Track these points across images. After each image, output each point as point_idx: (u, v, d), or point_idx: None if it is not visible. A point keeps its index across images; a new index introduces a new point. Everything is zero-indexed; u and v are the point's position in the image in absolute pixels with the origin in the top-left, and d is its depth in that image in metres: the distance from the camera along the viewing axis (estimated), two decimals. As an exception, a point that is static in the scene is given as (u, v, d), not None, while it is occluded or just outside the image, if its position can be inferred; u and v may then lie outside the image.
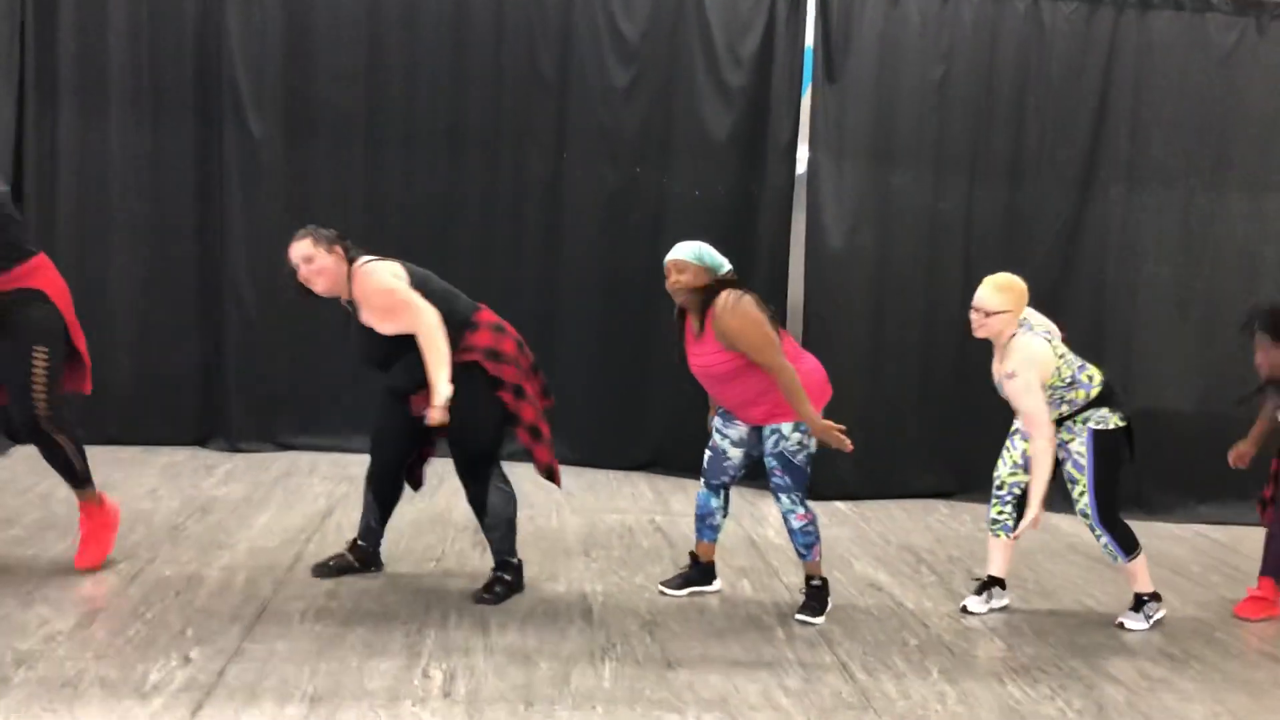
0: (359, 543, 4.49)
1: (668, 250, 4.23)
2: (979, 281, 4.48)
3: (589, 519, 5.72)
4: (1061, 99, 6.57)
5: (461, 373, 4.03)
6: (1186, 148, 6.63)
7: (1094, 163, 6.63)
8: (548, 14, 6.56)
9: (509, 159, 6.67)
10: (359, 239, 4.34)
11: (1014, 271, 4.53)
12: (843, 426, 4.12)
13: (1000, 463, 4.63)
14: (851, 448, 4.12)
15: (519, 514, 4.44)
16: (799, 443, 4.24)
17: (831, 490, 6.51)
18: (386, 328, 4.04)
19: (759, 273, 6.51)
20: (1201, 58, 6.58)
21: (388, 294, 4.02)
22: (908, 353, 6.63)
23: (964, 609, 4.62)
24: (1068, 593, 5.00)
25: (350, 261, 4.10)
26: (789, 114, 6.49)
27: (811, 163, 6.48)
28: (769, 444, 4.26)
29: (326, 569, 4.41)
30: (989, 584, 4.67)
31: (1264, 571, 4.80)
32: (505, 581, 4.34)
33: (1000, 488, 4.61)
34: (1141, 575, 4.54)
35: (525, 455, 4.45)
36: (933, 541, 5.76)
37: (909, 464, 6.70)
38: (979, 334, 4.44)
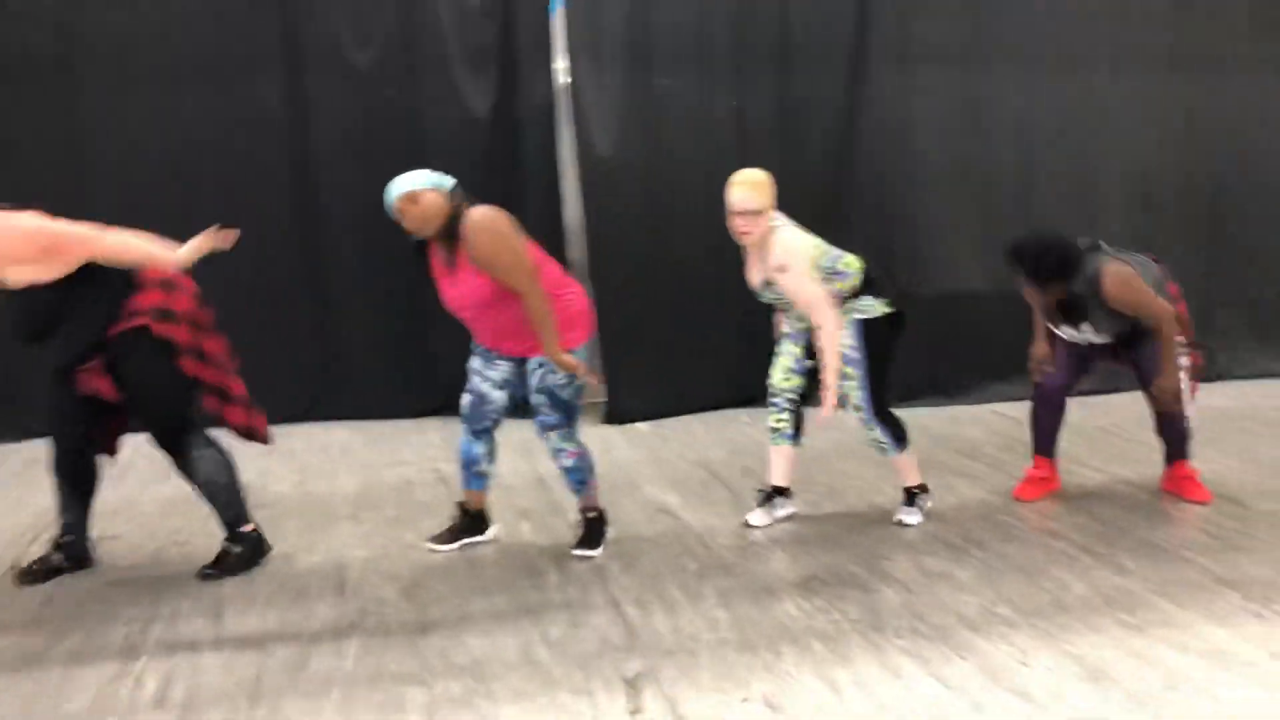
0: (64, 539, 4.01)
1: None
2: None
3: (366, 477, 5.34)
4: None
5: (131, 340, 3.58)
6: (953, 24, 6.49)
7: (862, 44, 6.44)
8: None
9: (243, 89, 6.07)
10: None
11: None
12: (583, 364, 3.84)
13: (773, 370, 4.43)
14: (599, 382, 3.86)
15: (240, 477, 4.07)
16: (566, 375, 3.94)
17: (629, 412, 6.28)
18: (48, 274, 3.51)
19: (530, 194, 6.16)
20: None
21: (34, 235, 3.45)
22: (694, 260, 6.37)
23: (747, 523, 4.44)
24: (857, 493, 4.88)
25: None
26: (538, 23, 6.07)
27: (572, 73, 6.10)
28: (534, 379, 3.95)
29: (32, 575, 3.93)
30: (772, 494, 4.50)
31: (1037, 450, 4.76)
32: (235, 554, 3.95)
33: (775, 395, 4.42)
34: (911, 468, 4.44)
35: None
36: (729, 454, 5.59)
37: (707, 375, 6.50)
38: (750, 240, 4.17)
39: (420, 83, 6.12)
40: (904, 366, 6.60)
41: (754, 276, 4.29)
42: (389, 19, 6.05)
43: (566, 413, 4.01)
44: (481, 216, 3.71)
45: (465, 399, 4.13)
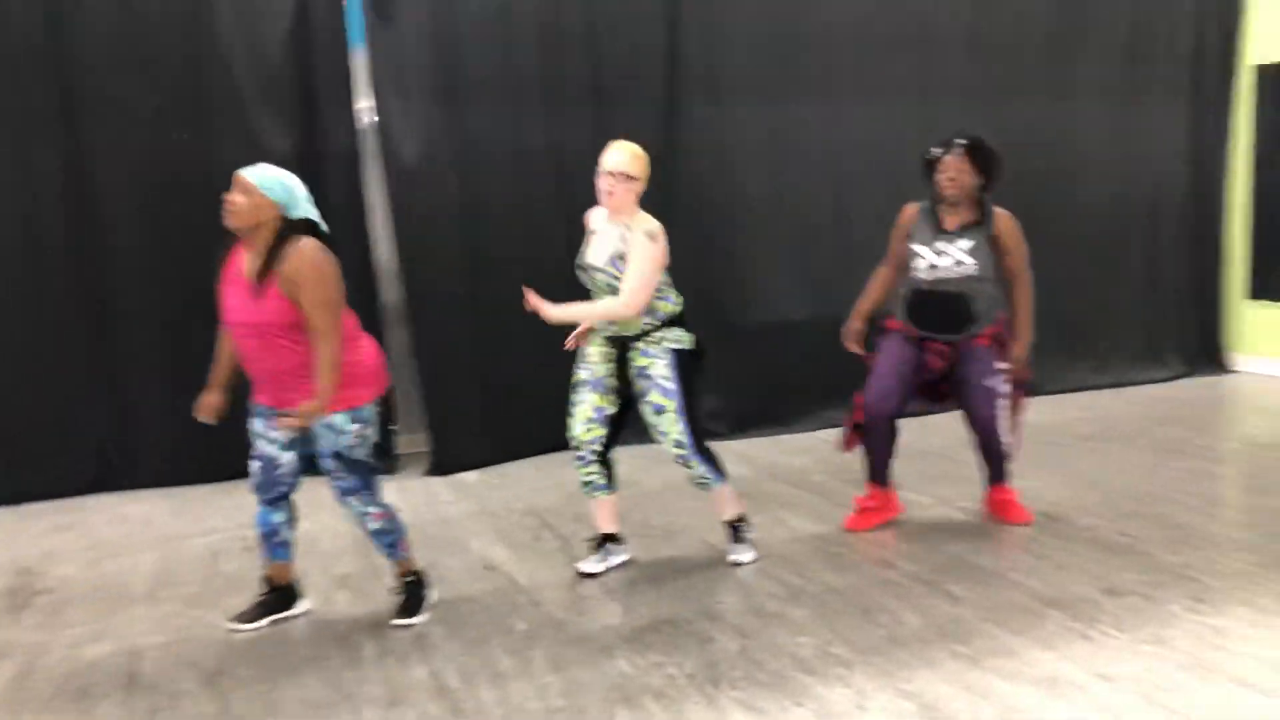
0: None
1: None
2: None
3: (166, 551, 4.91)
4: (633, 18, 6.27)
5: None
6: (764, 57, 6.53)
7: (674, 77, 6.40)
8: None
9: (19, 148, 5.57)
10: None
11: None
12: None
13: (572, 422, 4.22)
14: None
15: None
16: (358, 435, 3.68)
17: (455, 461, 6.03)
18: None
19: (337, 236, 5.82)
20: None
21: None
22: (516, 300, 6.13)
23: (580, 572, 4.26)
24: (692, 533, 4.76)
25: None
26: (339, 59, 5.81)
27: (377, 111, 5.84)
28: (323, 442, 3.66)
29: None
30: (604, 542, 4.33)
31: (870, 478, 4.75)
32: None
33: (579, 449, 4.21)
34: (732, 499, 4.34)
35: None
36: (562, 500, 5.39)
37: (537, 417, 6.28)
38: (612, 203, 4.06)
39: (212, 124, 5.74)
40: (734, 397, 6.66)
41: (594, 254, 4.11)
42: (174, 59, 5.65)
43: (363, 474, 3.75)
44: (315, 247, 3.52)
45: (253, 465, 3.80)
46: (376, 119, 5.85)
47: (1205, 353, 7.90)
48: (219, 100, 5.71)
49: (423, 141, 5.88)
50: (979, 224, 4.45)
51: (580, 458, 4.22)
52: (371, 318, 5.99)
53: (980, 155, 4.39)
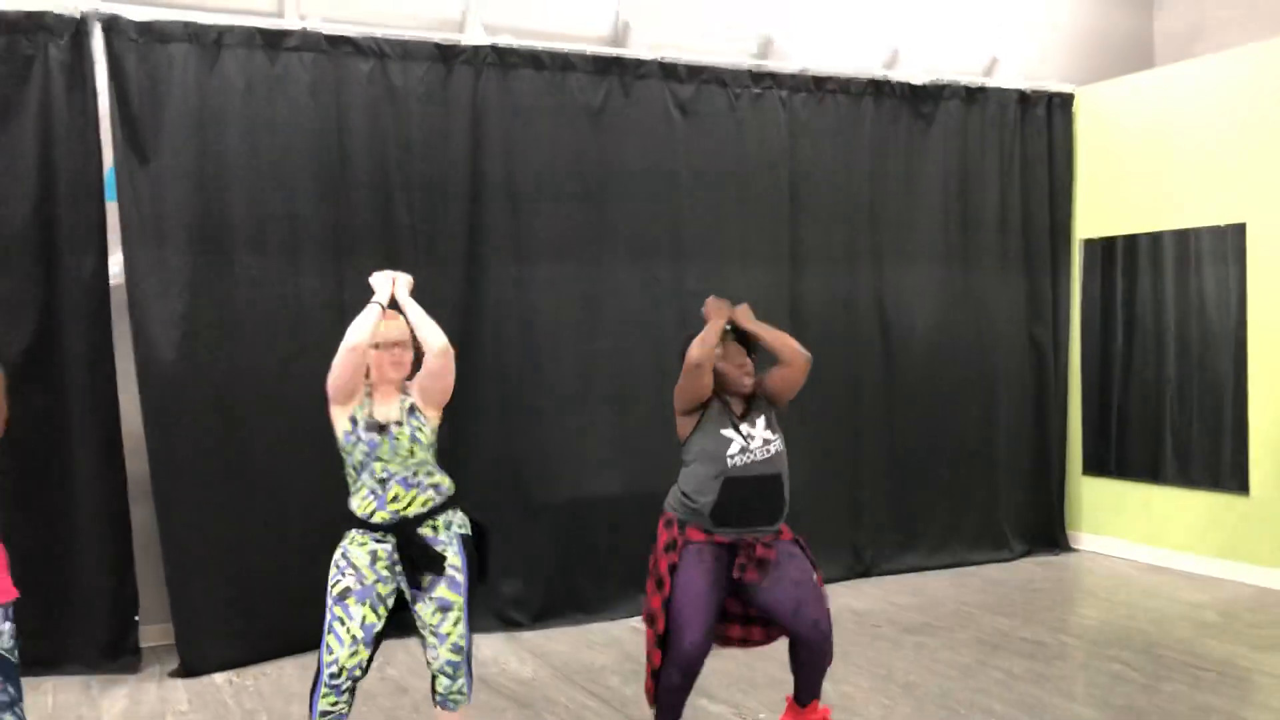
0: None
1: None
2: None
3: None
4: (431, 169, 5.86)
5: None
6: (569, 219, 6.15)
7: (477, 237, 5.97)
8: None
9: None
10: None
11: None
12: None
13: (335, 641, 3.50)
14: None
15: None
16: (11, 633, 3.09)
17: (204, 661, 5.24)
18: None
19: (75, 401, 5.17)
20: (570, 118, 6.16)
21: None
22: (281, 471, 5.48)
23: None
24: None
25: None
26: (87, 211, 5.21)
27: (128, 260, 5.24)
28: None
29: None
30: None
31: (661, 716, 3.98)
32: None
33: (337, 677, 3.48)
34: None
35: None
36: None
37: (301, 608, 5.52)
38: (400, 373, 3.66)
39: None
40: (536, 583, 6.03)
41: (387, 412, 3.58)
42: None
43: (17, 682, 3.11)
44: None
45: None
46: (126, 274, 5.24)
47: (1045, 531, 7.58)
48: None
49: (177, 295, 5.26)
50: (755, 396, 4.00)
51: (334, 686, 3.48)
52: (115, 492, 5.29)
53: (745, 337, 3.98)
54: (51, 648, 5.14)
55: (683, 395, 3.92)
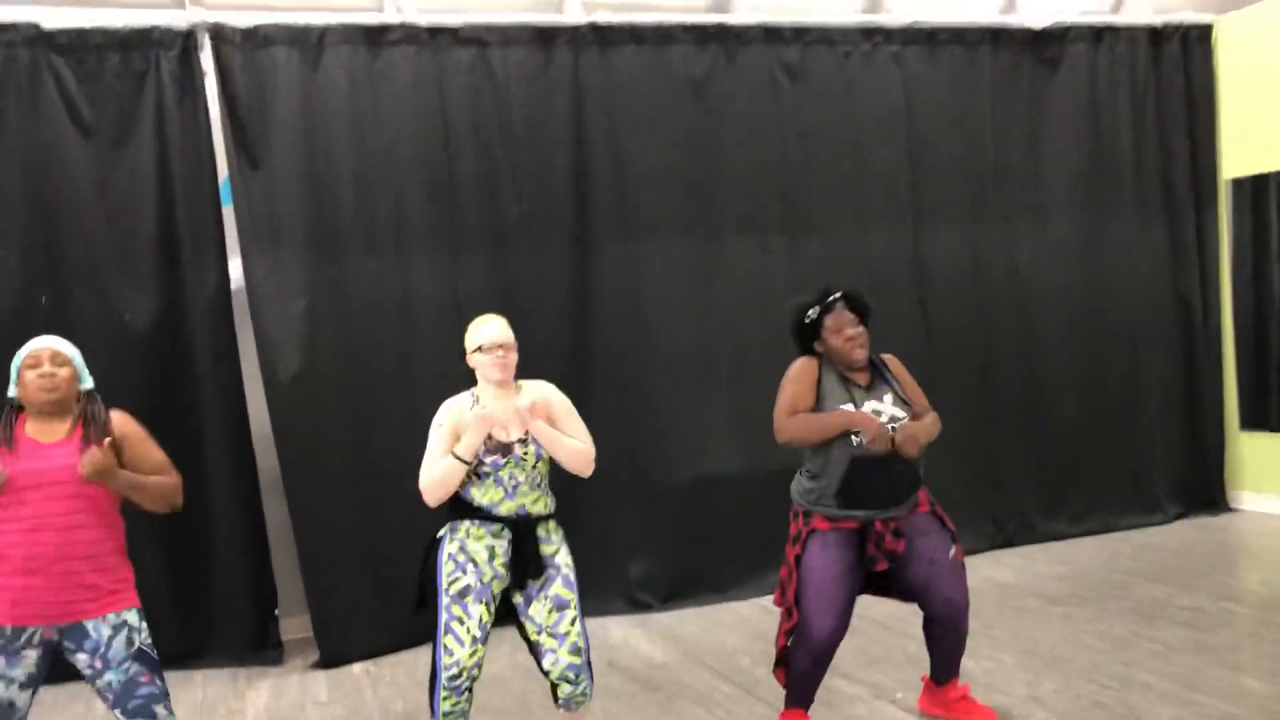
0: None
1: None
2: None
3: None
4: (536, 155, 5.81)
5: None
6: (678, 195, 6.03)
7: (585, 220, 5.90)
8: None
9: None
10: None
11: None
12: None
13: (454, 642, 3.46)
14: None
15: None
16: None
17: (341, 652, 5.33)
18: None
19: (207, 404, 5.32)
20: (674, 91, 6.03)
21: None
22: (403, 469, 5.50)
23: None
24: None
25: None
26: (206, 217, 5.32)
27: (246, 265, 5.35)
28: (116, 644, 3.12)
29: None
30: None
31: (795, 702, 3.87)
32: None
33: (458, 677, 3.44)
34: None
35: None
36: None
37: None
38: (506, 374, 3.55)
39: (69, 288, 5.25)
40: (662, 565, 5.95)
41: (505, 421, 3.49)
42: (19, 217, 5.19)
43: (162, 676, 3.22)
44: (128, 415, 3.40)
45: None
46: (246, 279, 5.34)
47: (1202, 491, 7.13)
48: (72, 262, 5.23)
49: (296, 299, 5.35)
50: (878, 373, 3.82)
51: (455, 687, 3.45)
52: (249, 490, 5.43)
53: (860, 305, 3.77)
54: (198, 640, 5.33)
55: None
